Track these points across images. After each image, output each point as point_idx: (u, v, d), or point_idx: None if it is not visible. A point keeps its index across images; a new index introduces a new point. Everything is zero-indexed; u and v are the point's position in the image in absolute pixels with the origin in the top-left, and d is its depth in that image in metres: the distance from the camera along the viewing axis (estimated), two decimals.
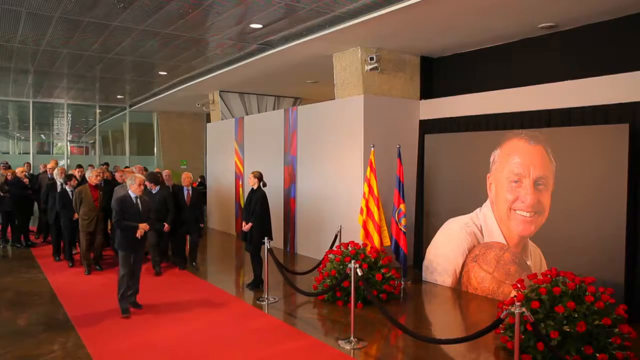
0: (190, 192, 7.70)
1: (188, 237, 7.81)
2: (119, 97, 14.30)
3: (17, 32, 7.17)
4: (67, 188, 7.62)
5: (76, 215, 7.35)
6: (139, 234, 5.25)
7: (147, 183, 6.81)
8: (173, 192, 7.53)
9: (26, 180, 9.39)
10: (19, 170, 9.55)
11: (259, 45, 7.91)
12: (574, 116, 5.90)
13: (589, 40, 6.09)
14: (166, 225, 7.18)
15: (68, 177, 7.76)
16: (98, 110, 16.38)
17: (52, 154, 19.22)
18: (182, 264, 7.66)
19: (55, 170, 8.39)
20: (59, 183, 7.93)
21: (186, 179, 7.78)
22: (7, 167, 10.45)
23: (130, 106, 16.09)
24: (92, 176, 7.37)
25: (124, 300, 5.40)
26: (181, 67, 9.71)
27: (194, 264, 7.80)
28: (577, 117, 5.85)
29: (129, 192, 5.38)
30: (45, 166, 10.40)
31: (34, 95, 13.82)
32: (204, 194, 12.53)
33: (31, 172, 10.55)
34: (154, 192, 7.21)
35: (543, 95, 6.22)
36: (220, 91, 12.13)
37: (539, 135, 5.75)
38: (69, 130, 18.16)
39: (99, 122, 16.95)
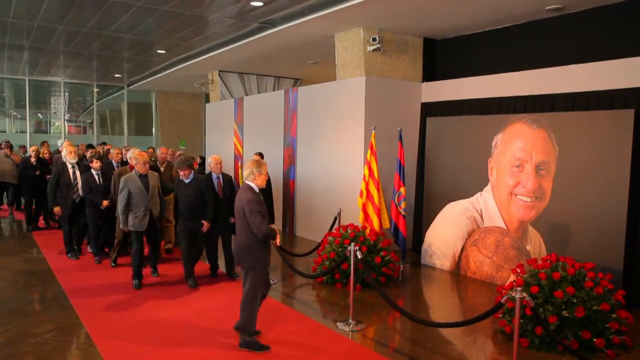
0: (222, 180, 6.11)
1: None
2: (116, 75, 14.13)
3: (11, 6, 7.02)
4: (93, 171, 6.52)
5: (105, 203, 6.41)
6: (278, 242, 4.19)
7: (179, 171, 5.63)
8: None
9: (33, 160, 8.78)
10: (30, 150, 8.95)
11: (259, 24, 7.77)
12: (578, 101, 5.82)
13: (596, 24, 5.99)
14: (206, 224, 5.67)
15: (91, 160, 6.63)
16: (96, 90, 16.22)
17: (50, 133, 19.09)
18: (216, 270, 6.25)
19: (64, 151, 7.08)
20: (69, 165, 6.86)
21: (217, 164, 6.09)
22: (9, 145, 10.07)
23: (129, 85, 15.93)
24: (138, 163, 5.92)
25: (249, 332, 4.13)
26: (180, 45, 9.56)
27: (232, 272, 6.18)
28: (582, 101, 5.78)
29: (250, 184, 4.03)
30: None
31: (30, 72, 13.64)
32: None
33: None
34: (187, 181, 5.64)
35: (547, 79, 6.14)
36: (219, 71, 11.99)
37: (542, 120, 5.69)
38: (66, 109, 18.01)
39: (97, 101, 16.80)
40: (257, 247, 4.00)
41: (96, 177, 6.51)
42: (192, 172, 5.68)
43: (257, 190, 4.03)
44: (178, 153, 7.97)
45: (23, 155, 10.32)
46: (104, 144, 10.75)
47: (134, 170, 5.75)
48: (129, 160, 6.57)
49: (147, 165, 5.77)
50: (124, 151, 7.45)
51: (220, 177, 6.10)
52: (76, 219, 6.91)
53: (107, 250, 6.96)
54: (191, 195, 5.59)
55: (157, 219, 5.85)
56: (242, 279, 4.14)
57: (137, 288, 5.63)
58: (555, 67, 6.09)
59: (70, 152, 6.87)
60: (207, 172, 6.75)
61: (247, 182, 4.03)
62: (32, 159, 8.78)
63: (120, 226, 5.75)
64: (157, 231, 6.02)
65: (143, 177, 5.68)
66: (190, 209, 5.61)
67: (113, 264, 6.55)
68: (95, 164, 6.51)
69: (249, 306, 4.04)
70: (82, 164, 7.21)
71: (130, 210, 5.58)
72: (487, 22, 6.90)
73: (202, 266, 6.31)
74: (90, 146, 8.77)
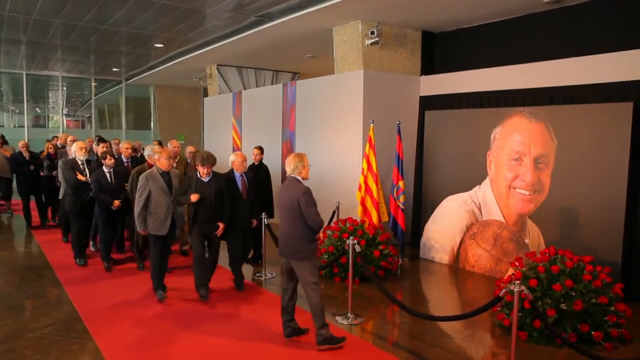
0: (246, 179, 5.60)
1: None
2: (114, 70, 14.07)
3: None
4: (105, 169, 5.95)
5: (117, 203, 5.90)
6: (321, 235, 4.19)
7: (200, 167, 5.04)
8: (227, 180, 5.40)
9: (27, 154, 8.50)
10: (20, 145, 8.70)
11: (257, 17, 7.72)
12: (576, 94, 5.80)
13: (594, 17, 5.95)
14: (222, 226, 5.13)
15: (104, 156, 6.01)
16: (94, 84, 16.16)
17: (48, 127, 19.03)
18: (242, 281, 5.57)
19: (73, 146, 6.61)
20: (79, 162, 6.39)
21: (243, 162, 5.52)
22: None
23: (127, 79, 15.87)
24: (162, 158, 5.30)
25: (330, 336, 4.05)
26: (178, 39, 9.51)
27: (242, 285, 5.56)
28: (580, 94, 5.75)
29: (297, 177, 4.03)
30: (66, 138, 8.52)
31: (28, 67, 13.58)
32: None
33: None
34: (205, 180, 5.09)
35: (546, 73, 6.11)
36: (217, 65, 11.93)
37: (541, 113, 5.67)
38: (64, 104, 17.94)
39: (95, 95, 16.74)
40: (311, 239, 4.00)
41: (108, 175, 5.96)
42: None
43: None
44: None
45: (13, 150, 10.16)
46: (99, 137, 10.56)
47: (154, 167, 5.14)
48: (146, 158, 6.12)
49: (172, 161, 5.18)
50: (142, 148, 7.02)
51: (244, 176, 5.57)
52: (85, 219, 6.40)
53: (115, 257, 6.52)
54: (211, 196, 5.03)
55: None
56: (288, 276, 4.14)
57: (162, 299, 5.07)
58: (553, 60, 6.06)
59: (81, 149, 6.44)
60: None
61: (293, 175, 4.03)
62: (25, 154, 8.50)
63: (137, 229, 5.20)
64: (173, 237, 5.37)
65: (165, 175, 5.09)
66: (208, 210, 5.04)
67: (141, 268, 6.22)
68: (109, 161, 5.95)
69: (319, 297, 3.99)
70: (93, 161, 6.68)
71: (149, 212, 5.00)
72: (485, 15, 6.86)
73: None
74: (101, 140, 8.03)
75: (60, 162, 6.82)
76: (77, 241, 6.41)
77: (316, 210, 3.92)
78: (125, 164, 6.75)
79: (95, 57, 11.81)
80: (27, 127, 14.97)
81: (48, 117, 20.76)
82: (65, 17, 7.86)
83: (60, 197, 7.06)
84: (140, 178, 5.08)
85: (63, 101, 17.48)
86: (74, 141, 7.61)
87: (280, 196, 4.11)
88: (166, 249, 5.23)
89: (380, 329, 4.57)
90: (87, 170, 6.38)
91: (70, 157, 6.69)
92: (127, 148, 6.88)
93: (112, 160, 5.99)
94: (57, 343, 4.04)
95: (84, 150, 6.45)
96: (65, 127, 16.95)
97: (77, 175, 6.25)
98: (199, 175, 5.09)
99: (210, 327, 4.42)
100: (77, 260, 6.39)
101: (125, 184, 6.21)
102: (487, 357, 3.99)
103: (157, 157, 5.12)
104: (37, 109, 20.32)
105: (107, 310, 4.79)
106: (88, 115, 19.77)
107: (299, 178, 4.03)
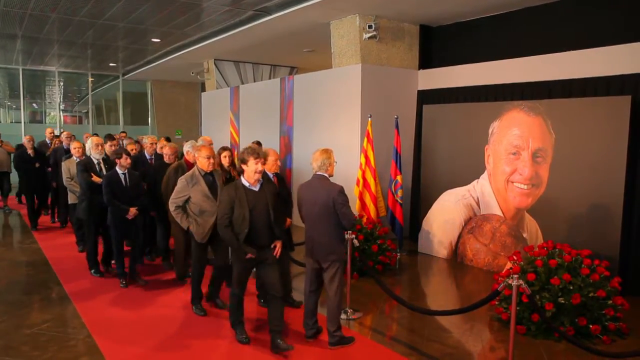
0: (277, 181, 4.77)
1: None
2: (111, 65, 14.01)
3: None
4: (119, 170, 5.21)
5: (133, 210, 5.20)
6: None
7: (253, 161, 3.76)
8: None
9: (31, 152, 8.12)
10: (25, 140, 8.23)
11: (254, 11, 7.68)
12: (575, 87, 5.78)
13: (592, 10, 5.93)
14: (279, 246, 3.98)
15: (119, 154, 5.22)
16: (90, 79, 16.09)
17: (45, 123, 18.96)
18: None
19: (89, 141, 5.87)
20: (95, 161, 5.71)
21: (276, 161, 4.66)
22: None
23: (124, 75, 15.80)
24: (192, 152, 5.15)
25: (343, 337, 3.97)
26: (175, 34, 9.46)
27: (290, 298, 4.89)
28: (579, 88, 5.74)
29: (325, 175, 3.89)
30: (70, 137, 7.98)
31: (24, 62, 13.51)
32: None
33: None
34: (256, 189, 3.86)
35: (544, 66, 6.09)
36: (215, 59, 11.89)
37: (539, 107, 5.66)
38: (61, 99, 17.87)
39: (92, 90, 16.67)
40: (343, 238, 3.95)
41: (122, 177, 5.21)
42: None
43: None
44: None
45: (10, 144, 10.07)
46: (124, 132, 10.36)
47: (196, 168, 4.52)
48: (184, 154, 5.38)
49: (212, 160, 4.53)
50: (162, 144, 6.25)
51: (275, 176, 4.73)
52: (104, 227, 5.60)
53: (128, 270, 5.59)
54: (268, 210, 3.84)
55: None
56: (314, 277, 3.99)
57: (202, 314, 4.58)
58: (552, 53, 6.04)
59: (97, 146, 5.72)
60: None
61: (320, 173, 3.91)
62: (29, 151, 8.15)
63: (184, 226, 4.54)
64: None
65: (208, 176, 4.53)
66: (261, 230, 3.81)
67: (182, 279, 5.54)
68: (124, 160, 5.16)
69: (340, 300, 3.90)
70: (110, 161, 5.94)
71: (194, 216, 4.47)
72: (483, 8, 6.83)
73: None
74: (109, 137, 7.19)
75: (78, 163, 6.03)
76: (93, 252, 5.71)
77: (351, 210, 3.83)
78: (150, 161, 6.23)
79: (92, 52, 11.76)
80: (24, 122, 14.90)
81: (45, 112, 20.68)
82: (61, 11, 7.80)
83: (71, 200, 6.63)
84: (179, 180, 4.52)
85: (60, 97, 17.42)
86: (68, 137, 7.53)
87: (304, 195, 3.93)
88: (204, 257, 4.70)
89: (379, 324, 4.57)
90: (104, 170, 5.69)
91: (75, 156, 6.37)
92: (152, 143, 6.22)
93: (128, 160, 5.21)
94: (55, 339, 4.03)
95: (100, 147, 5.72)
96: (62, 123, 16.90)
97: (91, 176, 5.56)
98: (246, 184, 3.79)
99: (208, 329, 4.41)
100: (92, 271, 5.74)
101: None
102: (486, 351, 4.00)
103: (197, 154, 4.50)
104: (34, 105, 20.24)
105: (106, 306, 4.78)
106: (85, 111, 19.70)
107: (326, 175, 3.91)
